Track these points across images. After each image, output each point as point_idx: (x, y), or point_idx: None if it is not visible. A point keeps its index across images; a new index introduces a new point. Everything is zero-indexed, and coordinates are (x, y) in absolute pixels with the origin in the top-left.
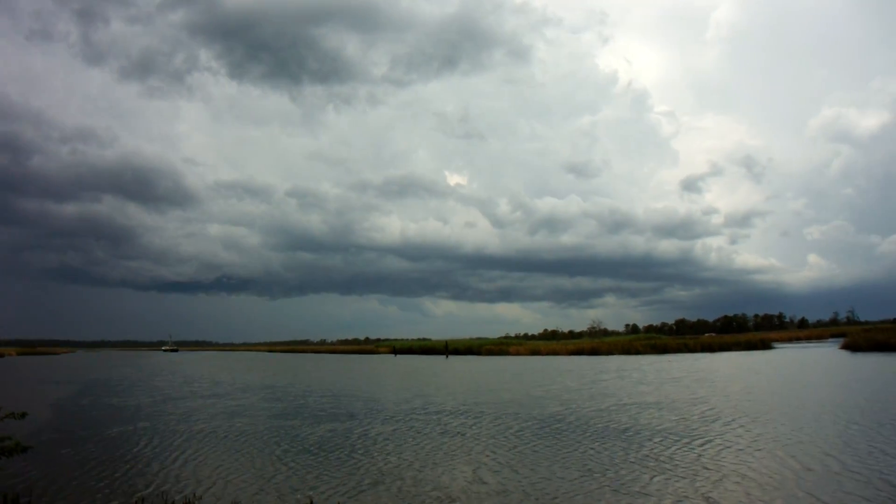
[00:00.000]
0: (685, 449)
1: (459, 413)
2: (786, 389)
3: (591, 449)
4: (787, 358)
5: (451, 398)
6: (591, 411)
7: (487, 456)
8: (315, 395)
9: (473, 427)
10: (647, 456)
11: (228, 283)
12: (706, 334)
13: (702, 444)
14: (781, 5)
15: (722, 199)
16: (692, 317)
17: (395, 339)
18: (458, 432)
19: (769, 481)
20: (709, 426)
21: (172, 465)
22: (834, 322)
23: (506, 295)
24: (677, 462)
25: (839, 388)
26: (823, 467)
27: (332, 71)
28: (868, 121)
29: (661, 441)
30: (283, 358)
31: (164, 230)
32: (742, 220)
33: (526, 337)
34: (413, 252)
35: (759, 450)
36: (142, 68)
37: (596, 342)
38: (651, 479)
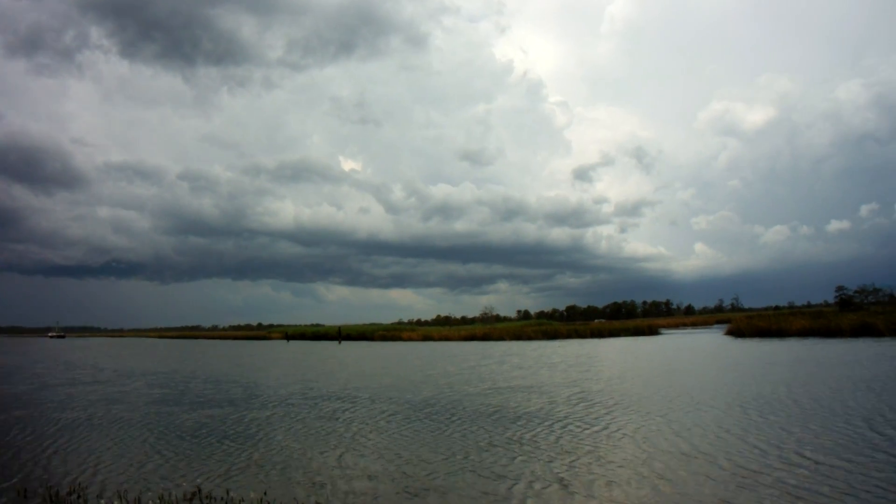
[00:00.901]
0: (547, 431)
1: (337, 398)
2: (658, 374)
3: (458, 432)
4: (670, 343)
5: (332, 383)
6: (464, 395)
7: (357, 440)
8: (198, 382)
9: (347, 412)
10: (511, 438)
11: (118, 267)
12: (596, 320)
13: (563, 427)
14: (674, 2)
15: (613, 188)
16: (583, 303)
17: (288, 325)
18: (333, 417)
19: (621, 462)
20: (572, 408)
21: (44, 454)
22: (719, 309)
23: (399, 281)
24: (538, 444)
25: (711, 372)
26: (675, 448)
27: (226, 53)
28: (754, 116)
29: (526, 424)
30: (173, 344)
31: (51, 212)
32: (632, 210)
33: (419, 323)
34: (307, 237)
35: (617, 431)
36: (29, 44)
37: (488, 328)
38: (511, 461)
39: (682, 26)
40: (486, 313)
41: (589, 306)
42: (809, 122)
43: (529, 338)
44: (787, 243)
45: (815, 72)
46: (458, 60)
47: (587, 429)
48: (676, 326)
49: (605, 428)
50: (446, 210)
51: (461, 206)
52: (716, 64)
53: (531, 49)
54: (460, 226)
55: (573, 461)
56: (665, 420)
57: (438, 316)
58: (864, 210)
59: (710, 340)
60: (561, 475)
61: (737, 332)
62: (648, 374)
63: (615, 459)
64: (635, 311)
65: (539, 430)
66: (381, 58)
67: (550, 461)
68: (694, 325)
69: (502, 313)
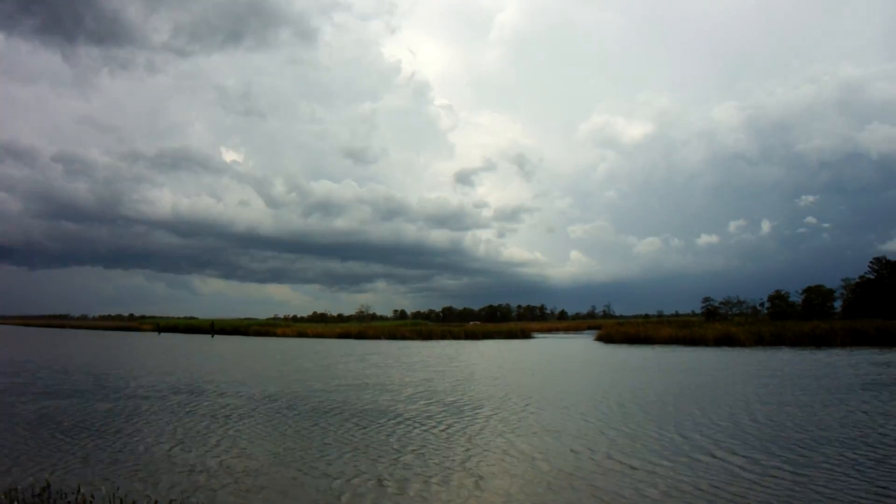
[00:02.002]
0: (380, 429)
1: (187, 391)
2: (510, 376)
3: (293, 428)
4: (538, 347)
5: (187, 377)
6: (310, 392)
7: (191, 434)
8: (47, 371)
9: (190, 405)
10: (344, 436)
11: None
12: (471, 322)
13: (397, 425)
14: (563, 15)
15: (493, 193)
16: (459, 305)
17: (161, 317)
18: (175, 410)
19: (441, 460)
20: (411, 407)
21: None
22: (591, 315)
23: (277, 276)
24: (369, 442)
25: (565, 375)
26: (498, 448)
27: (110, 33)
28: (633, 130)
29: (362, 421)
30: (36, 333)
31: None
32: (511, 215)
33: (295, 319)
34: (184, 228)
35: (446, 430)
36: None
37: (363, 326)
38: (339, 458)
39: (569, 39)
40: (362, 312)
41: (465, 308)
42: (685, 140)
43: (404, 337)
44: (659, 254)
45: (693, 92)
46: (346, 57)
47: (419, 427)
48: (549, 331)
49: (435, 426)
50: (327, 207)
51: (342, 204)
52: (599, 78)
53: (420, 51)
54: (341, 223)
55: (397, 459)
56: (498, 420)
57: (315, 313)
58: (733, 226)
59: (579, 345)
60: (381, 473)
61: (606, 339)
62: (500, 376)
63: (437, 458)
64: (510, 315)
65: (373, 427)
66: (270, 50)
67: (376, 459)
68: (566, 330)
69: (379, 312)
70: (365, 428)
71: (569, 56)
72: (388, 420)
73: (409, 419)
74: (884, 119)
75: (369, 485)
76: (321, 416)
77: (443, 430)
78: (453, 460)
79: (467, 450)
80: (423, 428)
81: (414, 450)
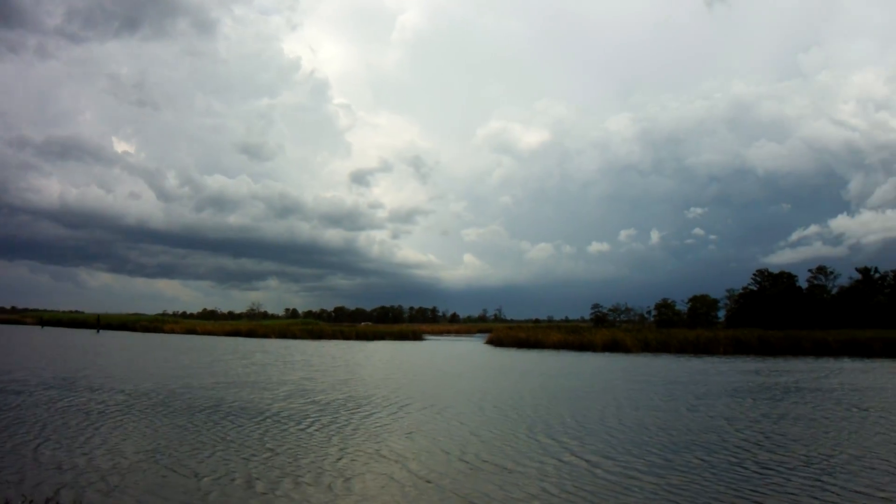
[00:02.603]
0: (255, 427)
1: (56, 387)
2: (389, 376)
3: (167, 426)
4: (428, 349)
5: (62, 371)
6: (188, 389)
7: (59, 430)
8: None
9: (61, 401)
10: (217, 433)
11: None
12: (363, 323)
13: (273, 423)
14: (464, 19)
15: (388, 194)
16: (352, 305)
17: (45, 310)
18: (42, 405)
19: (314, 459)
20: (287, 405)
21: None
22: (483, 318)
23: (167, 271)
24: (245, 440)
25: (443, 377)
26: (371, 449)
27: None
28: (530, 137)
29: (235, 419)
30: None
31: None
32: (406, 217)
33: (185, 315)
34: (72, 219)
35: (320, 430)
36: None
37: (254, 324)
38: (210, 456)
39: (469, 44)
40: (252, 309)
41: (357, 308)
42: (580, 149)
43: (295, 336)
44: (551, 260)
45: (590, 102)
46: (245, 51)
47: (294, 426)
48: (441, 333)
49: (311, 426)
50: (221, 202)
51: (236, 200)
52: (498, 84)
53: (320, 49)
54: (234, 219)
55: (269, 458)
56: (375, 420)
57: (205, 309)
58: (623, 235)
59: (469, 348)
60: (252, 472)
61: (496, 342)
62: (384, 377)
63: (310, 458)
64: (402, 316)
65: (248, 426)
66: (167, 40)
67: (248, 458)
68: (458, 332)
69: (270, 310)
70: (240, 426)
71: (469, 61)
72: (264, 418)
73: (285, 418)
74: (770, 137)
75: (239, 484)
76: (196, 413)
77: (318, 430)
78: (325, 460)
79: (340, 449)
80: (299, 427)
81: (287, 449)
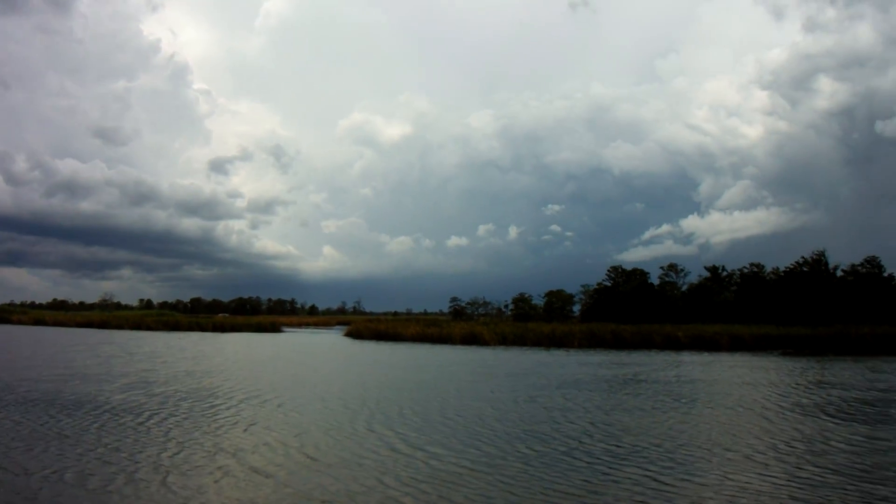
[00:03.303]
0: (89, 419)
1: None
2: (241, 368)
3: None
4: (283, 341)
5: None
6: (21, 382)
7: None
8: None
9: None
10: (51, 428)
11: None
12: (220, 314)
13: (100, 413)
14: (330, 9)
15: (248, 184)
16: (208, 296)
17: None
18: None
19: (138, 451)
20: (122, 396)
21: None
22: (342, 311)
23: (13, 259)
24: (67, 433)
25: (297, 368)
26: (205, 442)
27: None
28: (391, 130)
29: (61, 410)
30: None
31: None
32: (265, 207)
33: (32, 305)
34: None
35: (145, 422)
36: None
37: (107, 315)
38: (44, 450)
39: (334, 34)
40: (105, 300)
41: (214, 300)
42: (441, 143)
43: (150, 328)
44: (410, 253)
45: (452, 97)
46: (102, 31)
47: (130, 419)
48: (299, 325)
49: (149, 419)
50: (72, 187)
51: (89, 185)
52: (361, 76)
53: (181, 32)
54: (86, 205)
55: (104, 453)
56: (211, 412)
57: (55, 299)
58: (482, 229)
59: (326, 341)
60: (86, 468)
61: (355, 334)
62: (229, 369)
63: (144, 452)
64: (260, 308)
65: (86, 420)
66: (17, 15)
67: (83, 453)
68: (317, 325)
69: (124, 301)
70: (76, 420)
71: (333, 51)
72: (103, 412)
73: (124, 411)
74: (627, 138)
75: (71, 480)
76: (31, 407)
77: (156, 424)
78: (162, 454)
79: (179, 443)
80: (138, 420)
81: (124, 443)
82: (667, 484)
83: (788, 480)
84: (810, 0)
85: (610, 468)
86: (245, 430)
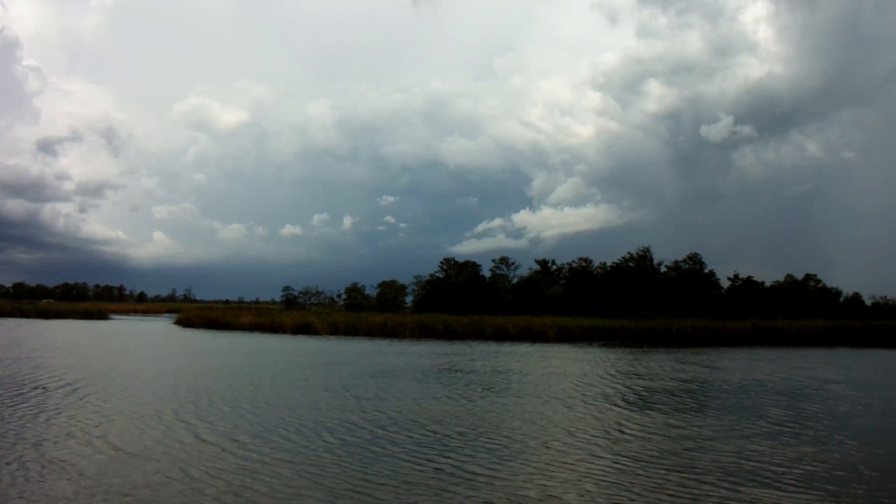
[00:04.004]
0: None
1: None
2: (44, 356)
3: None
4: (107, 328)
5: None
6: None
7: None
8: None
9: None
10: None
11: None
12: (44, 300)
13: None
14: None
15: (77, 166)
16: (32, 281)
17: None
18: None
19: None
20: None
21: None
22: (172, 298)
23: None
24: None
25: (112, 356)
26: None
27: None
28: (228, 116)
29: None
30: None
31: None
32: (94, 190)
33: None
34: None
35: None
36: None
37: None
38: None
39: (172, 16)
40: None
41: (38, 285)
42: (278, 131)
43: None
44: (243, 241)
45: (290, 85)
46: None
47: None
48: (128, 312)
49: None
50: None
51: None
52: (199, 60)
53: (12, 5)
54: None
55: None
56: (8, 403)
57: None
58: (316, 219)
59: (154, 328)
60: None
61: (186, 322)
62: (38, 357)
63: None
64: (87, 294)
65: None
66: None
67: None
68: (146, 312)
69: None
70: None
71: (171, 33)
72: None
73: None
74: (462, 132)
75: None
76: None
77: None
78: None
79: None
80: None
81: None
82: (467, 471)
83: (584, 466)
84: (644, 7)
85: (413, 456)
86: (48, 420)
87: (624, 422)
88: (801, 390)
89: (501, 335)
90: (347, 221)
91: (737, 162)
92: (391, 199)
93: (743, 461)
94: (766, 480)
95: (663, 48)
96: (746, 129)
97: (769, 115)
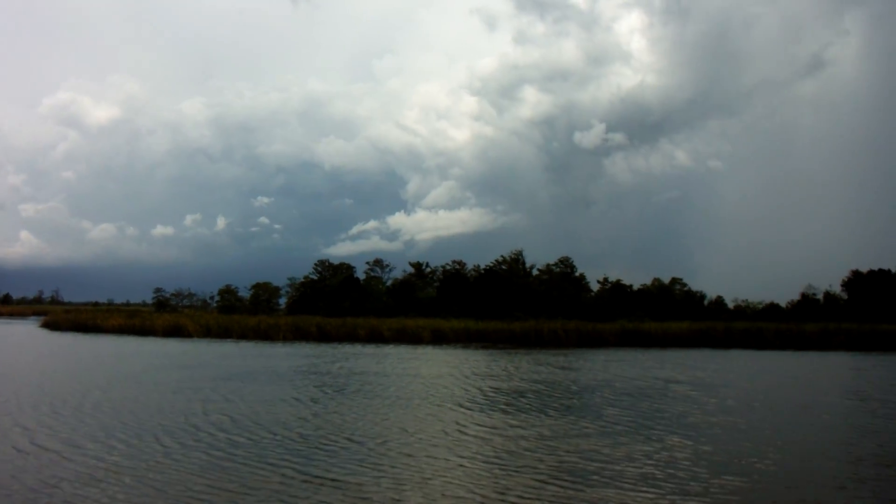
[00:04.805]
0: None
1: None
2: None
3: None
4: None
5: None
6: None
7: None
8: None
9: None
10: None
11: None
12: None
13: None
14: None
15: None
16: None
17: None
18: None
19: None
20: None
21: None
22: (39, 300)
23: None
24: None
25: None
26: None
27: None
28: (100, 112)
29: None
30: None
31: None
32: None
33: None
34: None
35: None
36: None
37: None
38: None
39: (43, 7)
40: None
41: None
42: (151, 129)
43: None
44: (113, 241)
45: (165, 82)
46: None
47: None
48: None
49: None
50: None
51: None
52: (70, 53)
53: None
54: None
55: None
56: None
57: None
58: (189, 219)
59: (17, 331)
60: None
61: (53, 325)
62: None
63: None
64: None
65: None
66: None
67: None
68: (11, 314)
69: None
70: None
71: (41, 24)
72: None
73: None
74: (339, 134)
75: None
76: None
77: None
78: None
79: None
80: None
81: None
82: (306, 474)
83: (421, 466)
84: (522, 14)
85: (255, 460)
86: None
87: (465, 422)
88: (645, 390)
89: (375, 337)
90: (221, 222)
91: (608, 169)
92: (266, 199)
93: (581, 461)
94: (605, 480)
95: (539, 55)
96: (618, 137)
97: (640, 124)
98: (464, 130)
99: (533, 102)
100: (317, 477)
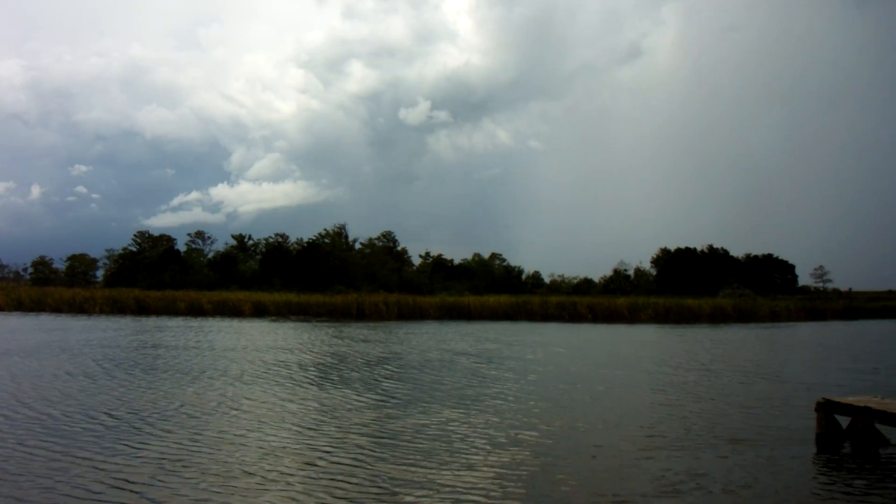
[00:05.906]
0: None
1: None
2: None
3: None
4: None
5: None
6: None
7: None
8: None
9: None
10: None
11: None
12: None
13: None
14: None
15: None
16: None
17: None
18: None
19: None
20: None
21: None
22: None
23: None
24: None
25: None
26: None
27: None
28: None
29: None
30: None
31: None
32: None
33: None
34: None
35: None
36: None
37: None
38: None
39: None
40: None
41: None
42: None
43: None
44: None
45: None
46: None
47: None
48: None
49: None
50: None
51: None
52: None
53: None
54: None
55: None
56: None
57: None
58: (1, 187)
59: None
60: None
61: None
62: None
63: None
64: None
65: None
66: None
67: None
68: None
69: None
70: None
71: None
72: None
73: None
74: (161, 102)
75: None
76: None
77: None
78: None
79: None
80: None
81: None
82: (84, 451)
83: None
84: None
85: (28, 442)
86: None
87: (234, 395)
88: (432, 362)
89: (196, 311)
90: (35, 191)
91: (432, 145)
92: (84, 168)
93: (352, 435)
94: (379, 455)
95: (368, 31)
96: (442, 115)
97: (464, 103)
98: (290, 103)
99: (359, 77)
100: (67, 455)
